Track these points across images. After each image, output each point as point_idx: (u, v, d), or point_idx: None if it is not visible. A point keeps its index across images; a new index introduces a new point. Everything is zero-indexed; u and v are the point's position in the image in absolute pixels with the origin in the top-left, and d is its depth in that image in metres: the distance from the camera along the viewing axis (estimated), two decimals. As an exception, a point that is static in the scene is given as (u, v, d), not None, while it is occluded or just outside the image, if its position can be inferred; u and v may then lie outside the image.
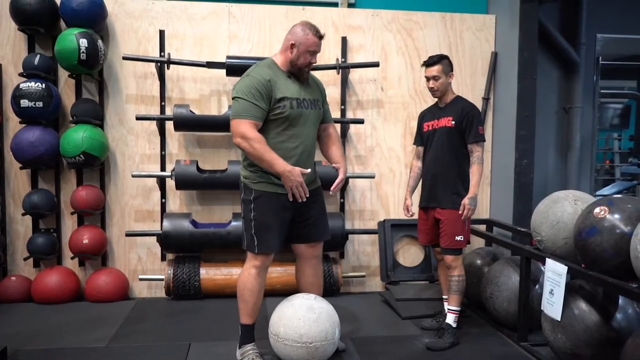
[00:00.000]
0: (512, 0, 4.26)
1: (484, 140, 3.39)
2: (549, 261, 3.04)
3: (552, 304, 2.92)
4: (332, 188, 2.97)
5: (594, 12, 4.61)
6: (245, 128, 2.75)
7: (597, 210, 2.75)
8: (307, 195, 2.83)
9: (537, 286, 3.42)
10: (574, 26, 4.60)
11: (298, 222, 3.00)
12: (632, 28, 4.75)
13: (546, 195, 3.37)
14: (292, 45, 2.86)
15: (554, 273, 2.95)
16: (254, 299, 2.94)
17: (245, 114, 2.77)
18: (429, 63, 3.40)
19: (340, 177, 2.99)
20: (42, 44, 4.14)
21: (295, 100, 2.86)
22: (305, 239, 3.08)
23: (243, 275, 2.96)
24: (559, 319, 2.84)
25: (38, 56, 3.97)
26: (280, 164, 2.76)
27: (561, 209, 3.10)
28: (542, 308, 3.04)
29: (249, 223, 2.90)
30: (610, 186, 6.13)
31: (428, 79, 3.40)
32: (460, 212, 3.27)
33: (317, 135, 3.11)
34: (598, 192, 5.36)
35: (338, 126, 4.36)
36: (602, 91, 4.94)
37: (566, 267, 2.89)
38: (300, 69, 2.90)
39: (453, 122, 3.36)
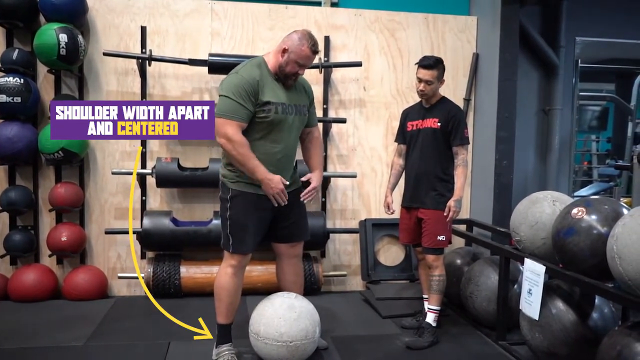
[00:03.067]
0: (494, 3, 4.30)
1: (469, 143, 3.40)
2: (527, 261, 3.07)
3: (530, 304, 2.95)
4: (302, 194, 2.98)
5: (573, 16, 4.66)
6: (230, 130, 2.71)
7: (574, 211, 2.79)
8: (287, 199, 2.84)
9: (515, 286, 3.45)
10: (554, 29, 4.65)
11: (278, 222, 2.99)
12: (611, 32, 4.82)
13: (525, 195, 3.41)
14: (284, 51, 2.80)
15: (533, 273, 2.99)
16: (230, 298, 2.92)
17: (232, 114, 2.72)
18: (424, 65, 3.31)
19: (312, 185, 2.99)
20: (21, 39, 4.08)
21: (280, 105, 2.82)
22: (286, 239, 3.07)
23: (219, 274, 2.94)
24: (537, 318, 2.88)
25: (16, 51, 3.91)
26: (262, 172, 2.75)
27: (540, 210, 3.14)
28: (520, 307, 3.07)
29: (225, 222, 2.88)
30: (588, 187, 6.23)
31: (420, 80, 3.33)
32: (445, 213, 3.28)
33: (301, 138, 3.10)
34: (576, 193, 5.44)
35: (320, 125, 4.37)
36: (581, 93, 5.00)
37: (544, 267, 2.92)
38: (286, 76, 2.85)
39: (439, 124, 3.35)
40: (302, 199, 2.98)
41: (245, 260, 2.95)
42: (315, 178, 3.03)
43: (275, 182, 2.77)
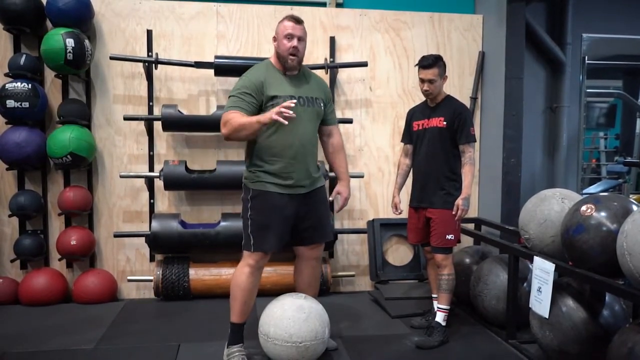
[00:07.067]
0: (499, 0, 4.29)
1: (475, 141, 3.39)
2: (536, 259, 3.06)
3: (540, 302, 2.94)
4: (336, 210, 3.26)
5: (580, 12, 4.64)
6: (227, 116, 2.79)
7: (583, 208, 2.77)
8: (293, 104, 2.65)
9: (525, 284, 3.44)
10: (560, 26, 4.63)
11: (299, 223, 2.99)
12: (618, 28, 4.80)
13: (534, 193, 3.40)
14: (274, 39, 2.95)
15: (542, 271, 2.97)
16: (245, 297, 2.93)
17: (232, 106, 2.81)
18: (424, 65, 3.33)
19: (343, 197, 3.16)
20: (28, 44, 4.10)
21: (288, 98, 2.84)
22: (307, 242, 3.08)
23: (236, 273, 2.96)
24: (547, 317, 2.87)
25: (24, 56, 3.93)
26: (259, 117, 2.70)
27: (548, 207, 3.12)
28: (530, 306, 3.06)
29: (247, 222, 2.91)
30: (597, 184, 6.19)
31: (423, 81, 3.34)
32: (453, 212, 3.27)
33: (321, 138, 3.16)
34: (585, 191, 5.41)
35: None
36: (588, 90, 4.98)
37: (554, 265, 2.91)
38: (284, 59, 2.90)
39: (445, 123, 3.34)
40: (336, 212, 3.26)
41: (263, 261, 2.97)
42: (343, 190, 3.17)
43: (274, 111, 2.61)
